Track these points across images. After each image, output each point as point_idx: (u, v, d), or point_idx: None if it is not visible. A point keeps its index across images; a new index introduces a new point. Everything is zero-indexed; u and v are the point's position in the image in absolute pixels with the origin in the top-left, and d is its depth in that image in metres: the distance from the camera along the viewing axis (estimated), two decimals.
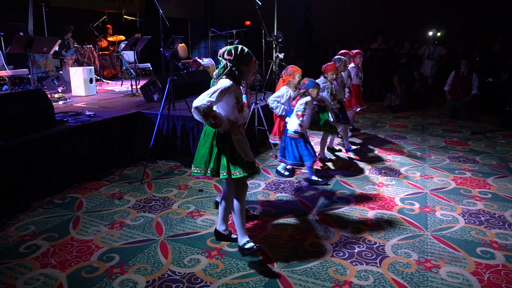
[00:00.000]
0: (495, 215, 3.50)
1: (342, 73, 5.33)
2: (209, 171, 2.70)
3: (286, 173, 4.48)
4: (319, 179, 4.24)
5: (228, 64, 2.64)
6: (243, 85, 3.23)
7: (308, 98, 4.02)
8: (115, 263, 2.73)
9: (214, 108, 2.62)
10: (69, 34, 8.29)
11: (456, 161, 5.04)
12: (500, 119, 7.30)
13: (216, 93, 2.54)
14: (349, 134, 6.16)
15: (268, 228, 3.26)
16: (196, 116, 2.59)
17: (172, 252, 2.88)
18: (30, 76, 5.96)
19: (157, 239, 3.08)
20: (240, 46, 2.64)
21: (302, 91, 4.05)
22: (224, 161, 2.67)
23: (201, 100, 2.53)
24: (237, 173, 2.66)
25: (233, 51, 2.60)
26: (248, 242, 2.76)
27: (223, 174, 2.67)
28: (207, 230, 3.21)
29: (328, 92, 4.71)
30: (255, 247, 2.70)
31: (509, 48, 9.08)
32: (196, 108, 2.52)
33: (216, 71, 2.74)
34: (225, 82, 2.61)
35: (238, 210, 2.78)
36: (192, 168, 2.80)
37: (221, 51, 2.65)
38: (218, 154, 2.68)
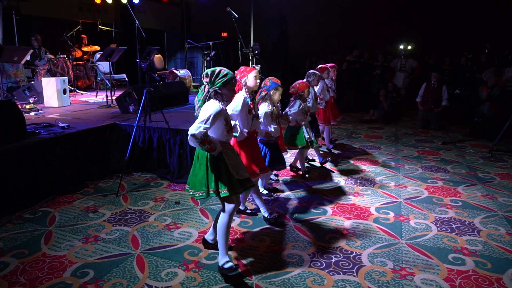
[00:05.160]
0: (465, 222, 3.62)
1: (315, 87, 5.40)
2: (211, 192, 2.68)
3: (265, 191, 4.27)
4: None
5: (207, 87, 2.70)
6: (252, 97, 3.34)
7: (264, 109, 3.75)
8: (90, 279, 2.65)
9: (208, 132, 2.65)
10: (35, 43, 8.06)
11: (428, 171, 5.19)
12: (468, 129, 7.60)
13: (210, 119, 2.58)
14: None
15: (245, 239, 3.25)
16: (193, 143, 2.61)
17: (148, 266, 2.83)
18: None
19: (133, 253, 3.02)
20: (218, 69, 2.68)
21: (263, 93, 3.80)
22: (220, 180, 2.69)
23: (197, 127, 2.55)
24: (225, 192, 2.67)
25: (209, 74, 2.67)
26: (228, 262, 2.69)
27: (223, 193, 2.67)
28: (184, 242, 3.18)
29: (302, 112, 4.58)
30: (234, 266, 2.66)
31: (475, 62, 9.50)
32: (193, 135, 2.55)
33: (197, 96, 2.78)
34: (215, 107, 2.63)
35: (224, 227, 2.73)
36: (194, 193, 2.74)
37: (203, 74, 2.73)
38: (216, 175, 2.69)
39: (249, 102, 3.30)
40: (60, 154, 4.34)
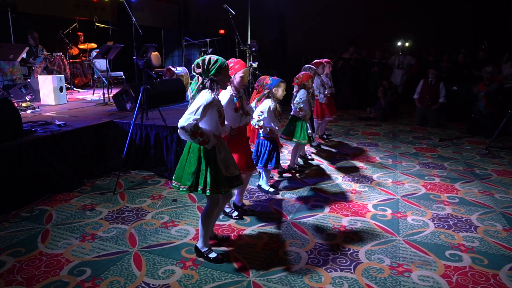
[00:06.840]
0: (462, 218, 3.63)
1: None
2: (199, 189, 2.63)
3: (271, 189, 4.22)
4: (270, 189, 4.23)
5: (200, 77, 2.63)
6: (240, 94, 3.28)
7: (268, 104, 3.79)
8: (87, 277, 2.65)
9: (200, 124, 2.58)
10: (32, 41, 8.01)
11: (425, 167, 5.20)
12: (466, 126, 7.61)
13: (200, 109, 2.50)
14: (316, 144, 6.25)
15: (243, 237, 3.25)
16: (183, 136, 2.53)
17: (146, 263, 2.83)
18: None
19: (131, 250, 3.01)
20: (208, 57, 2.61)
21: (266, 91, 3.82)
22: (208, 178, 2.63)
23: (186, 119, 2.47)
24: (213, 191, 2.64)
25: (201, 63, 2.59)
26: (210, 251, 2.89)
27: (208, 191, 2.63)
28: (182, 240, 3.17)
29: (308, 103, 4.64)
30: (219, 256, 2.86)
31: (473, 60, 9.51)
32: (183, 128, 2.47)
33: (190, 87, 2.69)
34: (206, 97, 2.56)
35: (205, 218, 2.83)
36: (178, 185, 2.70)
37: (193, 65, 2.65)
38: (205, 172, 2.63)
39: (236, 101, 3.24)
40: (57, 152, 4.32)
